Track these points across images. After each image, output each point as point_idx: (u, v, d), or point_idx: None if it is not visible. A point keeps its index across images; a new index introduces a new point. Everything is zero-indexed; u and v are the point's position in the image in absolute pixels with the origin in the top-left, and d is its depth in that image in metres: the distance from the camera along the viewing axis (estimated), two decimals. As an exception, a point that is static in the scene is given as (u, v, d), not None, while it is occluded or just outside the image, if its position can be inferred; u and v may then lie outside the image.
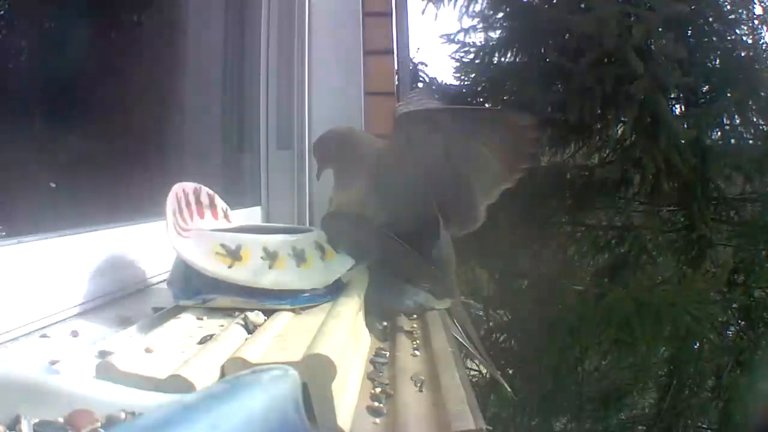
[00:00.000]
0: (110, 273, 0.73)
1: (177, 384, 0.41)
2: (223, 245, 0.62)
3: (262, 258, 0.61)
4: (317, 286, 0.63)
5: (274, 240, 0.63)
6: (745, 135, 2.33)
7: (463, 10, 2.70)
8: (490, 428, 0.50)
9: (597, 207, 2.56)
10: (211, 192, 0.77)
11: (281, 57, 1.44)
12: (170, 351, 0.48)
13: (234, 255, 0.61)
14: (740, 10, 2.36)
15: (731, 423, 2.15)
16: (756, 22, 2.37)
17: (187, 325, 0.56)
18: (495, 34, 2.65)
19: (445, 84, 2.77)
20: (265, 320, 0.57)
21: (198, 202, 0.73)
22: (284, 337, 0.52)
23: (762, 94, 2.20)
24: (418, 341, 0.75)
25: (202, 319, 0.58)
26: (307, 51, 1.45)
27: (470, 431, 0.48)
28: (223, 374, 0.45)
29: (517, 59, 2.58)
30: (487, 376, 2.84)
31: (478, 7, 2.68)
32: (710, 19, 2.32)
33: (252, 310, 0.58)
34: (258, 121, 1.43)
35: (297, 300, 0.61)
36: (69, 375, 0.36)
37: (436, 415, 0.52)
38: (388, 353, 0.70)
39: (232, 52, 1.51)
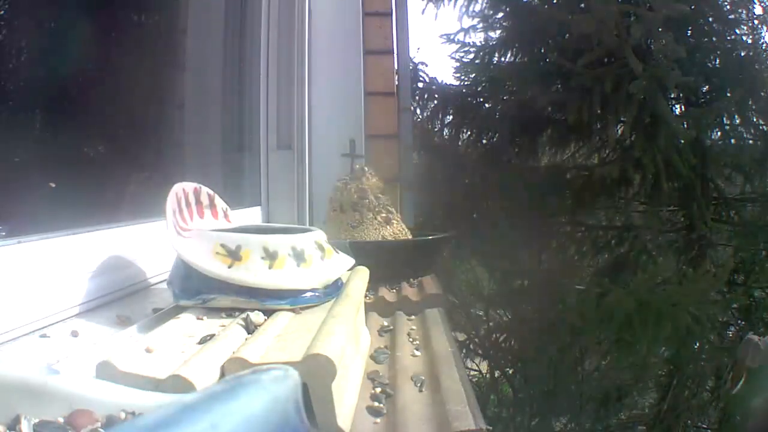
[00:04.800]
0: (110, 273, 0.73)
1: (177, 384, 0.41)
2: (223, 245, 0.62)
3: (262, 258, 0.61)
4: (317, 286, 0.63)
5: (274, 240, 0.63)
6: (745, 135, 2.33)
7: (463, 10, 2.70)
8: (490, 428, 0.50)
9: (597, 207, 2.56)
10: (211, 192, 0.77)
11: (281, 57, 1.44)
12: (170, 351, 0.48)
13: (234, 255, 0.61)
14: (740, 10, 2.36)
15: (731, 423, 2.15)
16: (756, 22, 2.36)
17: (187, 325, 0.56)
18: (495, 34, 2.65)
19: (445, 84, 2.77)
20: (265, 320, 0.57)
21: (198, 202, 0.73)
22: (284, 337, 0.52)
23: (762, 94, 2.20)
24: (418, 341, 0.75)
25: (202, 319, 0.58)
26: (307, 51, 1.45)
27: (470, 431, 0.48)
28: (223, 374, 0.45)
29: (517, 59, 2.58)
30: (487, 376, 2.85)
31: (478, 7, 2.68)
32: (710, 19, 2.32)
33: (252, 310, 0.58)
34: (258, 121, 1.43)
35: (297, 300, 0.61)
36: (69, 375, 0.35)
37: (436, 415, 0.52)
38: (388, 353, 0.70)
39: (232, 52, 1.51)
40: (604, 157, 2.56)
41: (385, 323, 0.83)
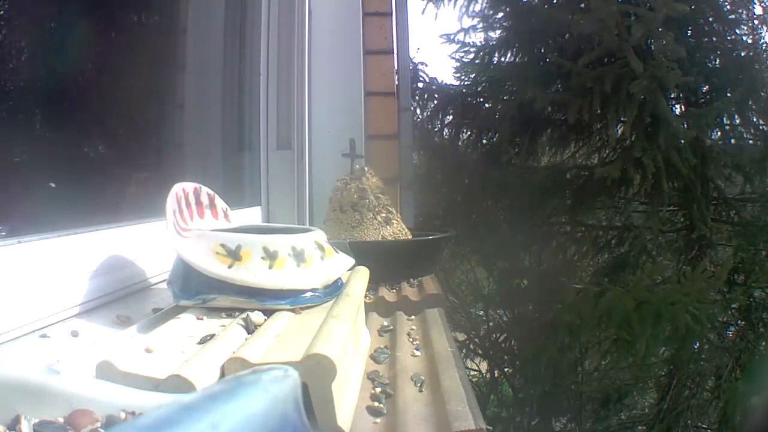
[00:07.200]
0: (110, 273, 0.73)
1: (177, 384, 0.41)
2: (223, 245, 0.62)
3: (262, 258, 0.61)
4: (317, 286, 0.63)
5: (274, 240, 0.63)
6: (745, 135, 2.33)
7: (463, 10, 2.70)
8: (490, 428, 0.50)
9: (597, 207, 2.56)
10: (211, 192, 0.77)
11: (281, 57, 1.44)
12: (170, 351, 0.48)
13: (234, 255, 0.61)
14: (740, 10, 2.36)
15: (730, 423, 2.15)
16: (756, 22, 2.36)
17: (187, 325, 0.56)
18: (495, 34, 2.66)
19: (445, 84, 2.77)
20: (265, 320, 0.57)
21: (198, 202, 0.73)
22: (284, 337, 0.52)
23: (762, 94, 2.20)
24: (418, 341, 0.75)
25: (202, 319, 0.58)
26: (307, 51, 1.45)
27: (470, 431, 0.48)
28: (223, 374, 0.45)
29: (517, 59, 2.58)
30: (487, 376, 2.85)
31: (478, 7, 2.68)
32: (710, 19, 2.32)
33: (252, 310, 0.58)
34: (258, 121, 1.43)
35: (297, 300, 0.61)
36: (69, 375, 0.35)
37: (436, 415, 0.52)
38: (388, 353, 0.70)
39: (232, 52, 1.51)
40: (604, 157, 2.56)
41: (385, 323, 0.83)
